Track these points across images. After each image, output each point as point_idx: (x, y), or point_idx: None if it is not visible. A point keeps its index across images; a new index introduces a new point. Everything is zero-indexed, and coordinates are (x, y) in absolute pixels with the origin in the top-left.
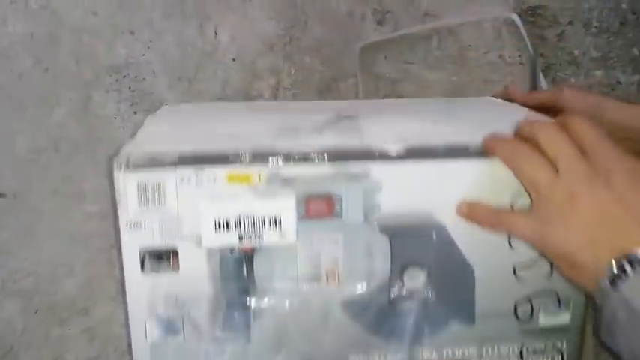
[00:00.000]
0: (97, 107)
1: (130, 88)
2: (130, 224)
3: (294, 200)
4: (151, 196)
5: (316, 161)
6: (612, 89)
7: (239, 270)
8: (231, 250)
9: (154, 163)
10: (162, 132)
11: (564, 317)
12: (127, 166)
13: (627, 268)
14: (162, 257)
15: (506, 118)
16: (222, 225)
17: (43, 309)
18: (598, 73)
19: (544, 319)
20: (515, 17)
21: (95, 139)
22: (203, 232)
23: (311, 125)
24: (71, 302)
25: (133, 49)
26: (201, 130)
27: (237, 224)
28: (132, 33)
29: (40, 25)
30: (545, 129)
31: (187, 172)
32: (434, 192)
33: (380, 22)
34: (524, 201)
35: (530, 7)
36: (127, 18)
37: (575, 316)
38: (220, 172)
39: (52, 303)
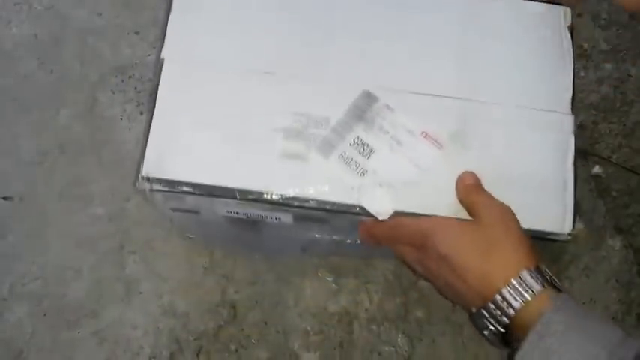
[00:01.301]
0: (102, 108)
1: (135, 88)
2: None
3: None
4: None
5: None
6: (622, 82)
7: None
8: None
9: None
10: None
11: None
12: None
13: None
14: None
15: None
16: None
17: (51, 312)
18: (608, 66)
19: None
20: None
21: (101, 141)
22: None
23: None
24: (80, 305)
25: (138, 50)
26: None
27: None
28: (137, 33)
29: (45, 26)
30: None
31: None
32: None
33: None
34: None
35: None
36: (132, 18)
37: None
38: None
39: (61, 306)
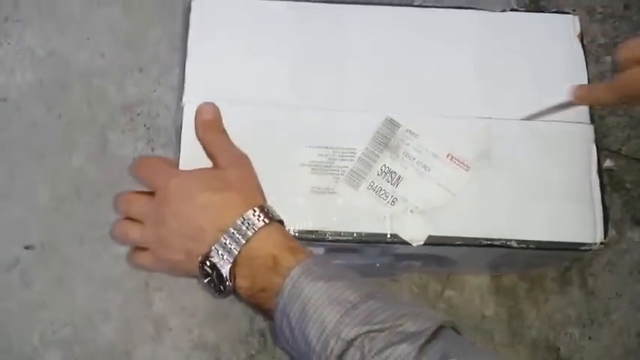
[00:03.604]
0: (114, 148)
1: (145, 125)
2: None
3: None
4: None
5: None
6: None
7: None
8: None
9: None
10: None
11: None
12: None
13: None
14: None
15: None
16: None
17: (83, 358)
18: (608, 58)
19: None
20: None
21: (116, 181)
22: None
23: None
24: (111, 347)
25: (143, 87)
26: None
27: None
28: (140, 70)
29: (49, 71)
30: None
31: None
32: None
33: None
34: None
35: (532, 0)
36: (134, 56)
37: None
38: None
39: (93, 350)
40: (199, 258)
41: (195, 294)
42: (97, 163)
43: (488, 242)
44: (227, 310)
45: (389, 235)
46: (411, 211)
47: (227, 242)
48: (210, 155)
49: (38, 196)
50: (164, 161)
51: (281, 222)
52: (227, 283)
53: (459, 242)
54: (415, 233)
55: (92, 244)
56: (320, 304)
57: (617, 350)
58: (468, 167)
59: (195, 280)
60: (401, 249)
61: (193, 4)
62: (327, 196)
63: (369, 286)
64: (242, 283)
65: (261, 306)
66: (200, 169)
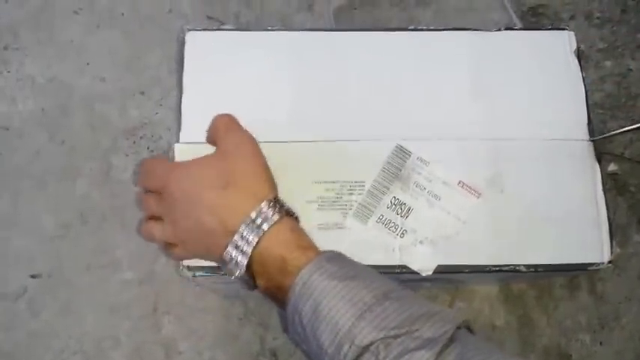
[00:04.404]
0: (118, 173)
1: (148, 148)
2: None
3: None
4: None
5: None
6: (624, 77)
7: None
8: None
9: None
10: None
11: None
12: None
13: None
14: None
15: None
16: None
17: None
18: (608, 63)
19: None
20: None
21: (121, 206)
22: None
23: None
24: None
25: (145, 109)
26: None
27: None
28: (142, 93)
29: (50, 98)
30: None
31: None
32: None
33: None
34: None
35: (530, 7)
36: (135, 79)
37: None
38: None
39: None
40: (218, 257)
41: (204, 316)
42: (101, 189)
43: (497, 269)
44: (237, 331)
45: (398, 267)
46: (421, 242)
47: (239, 244)
48: (214, 136)
49: (43, 224)
50: (161, 159)
51: (291, 213)
52: (248, 280)
53: (467, 270)
54: (424, 264)
55: (99, 270)
56: (333, 305)
57: (629, 355)
58: (479, 194)
59: (203, 302)
60: (410, 276)
61: (187, 38)
62: (335, 231)
63: (385, 283)
64: (259, 280)
65: (277, 299)
66: (199, 161)
